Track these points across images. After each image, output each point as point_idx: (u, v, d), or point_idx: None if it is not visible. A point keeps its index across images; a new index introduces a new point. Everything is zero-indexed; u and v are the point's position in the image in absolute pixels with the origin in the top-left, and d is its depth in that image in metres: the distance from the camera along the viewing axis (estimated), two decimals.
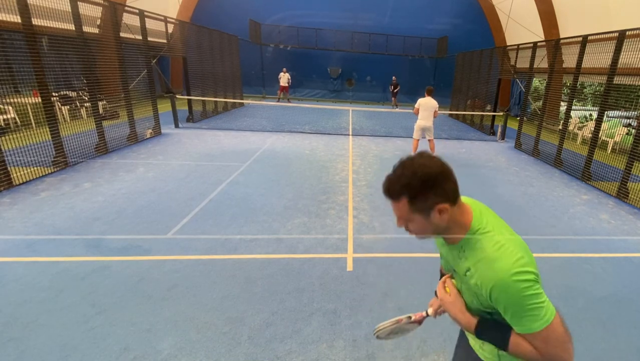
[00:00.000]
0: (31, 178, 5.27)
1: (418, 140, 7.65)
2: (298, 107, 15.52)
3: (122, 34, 7.43)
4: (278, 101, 17.87)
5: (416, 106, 7.49)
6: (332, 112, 14.81)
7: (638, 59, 5.74)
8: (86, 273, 3.13)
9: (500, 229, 1.10)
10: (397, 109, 16.93)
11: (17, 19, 5.01)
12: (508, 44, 15.94)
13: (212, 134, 9.32)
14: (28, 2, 5.07)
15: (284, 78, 17.42)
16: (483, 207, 1.21)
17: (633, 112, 11.16)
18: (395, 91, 18.06)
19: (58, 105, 8.45)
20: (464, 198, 1.19)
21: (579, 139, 11.06)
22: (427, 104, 7.38)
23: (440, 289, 1.22)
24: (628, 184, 5.93)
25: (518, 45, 10.62)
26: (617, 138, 9.81)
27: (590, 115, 14.55)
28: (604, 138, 10.13)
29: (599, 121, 6.65)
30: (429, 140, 7.71)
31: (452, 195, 1.08)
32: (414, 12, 18.86)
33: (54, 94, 6.55)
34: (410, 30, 18.90)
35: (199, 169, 6.24)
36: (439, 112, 7.62)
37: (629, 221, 5.09)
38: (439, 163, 1.06)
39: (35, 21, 5.19)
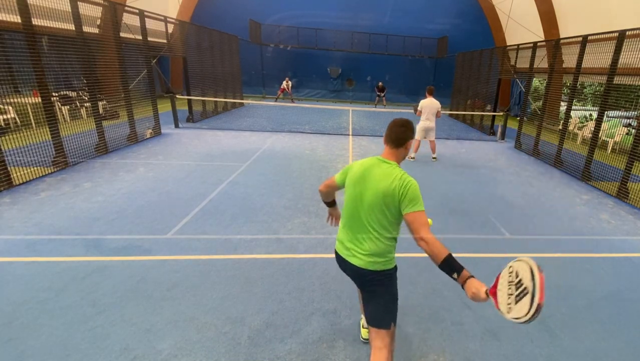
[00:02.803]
0: (31, 178, 5.27)
1: (420, 140, 7.68)
2: (298, 107, 15.53)
3: (122, 34, 7.43)
4: (276, 101, 17.88)
5: (419, 108, 7.46)
6: (332, 112, 14.81)
7: (638, 59, 5.74)
8: (86, 273, 3.13)
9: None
10: (383, 109, 16.83)
11: (17, 19, 5.01)
12: (508, 44, 15.94)
13: (212, 134, 9.32)
14: (28, 2, 5.07)
15: (286, 84, 17.50)
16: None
17: (633, 112, 11.16)
18: (382, 94, 17.94)
19: (58, 105, 8.45)
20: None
21: (579, 139, 11.07)
22: (429, 106, 7.35)
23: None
24: (628, 184, 5.92)
25: (518, 45, 10.62)
26: (617, 138, 9.81)
27: (590, 115, 14.55)
28: (604, 138, 10.13)
29: (599, 121, 6.65)
30: (430, 140, 7.71)
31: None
32: (414, 12, 18.86)
33: (54, 94, 6.55)
34: (410, 30, 18.90)
35: (199, 169, 6.24)
36: (441, 112, 7.61)
37: (629, 221, 5.09)
38: (407, 120, 1.96)
39: (35, 21, 5.18)
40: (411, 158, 7.66)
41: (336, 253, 2.06)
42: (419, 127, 7.49)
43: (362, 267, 1.90)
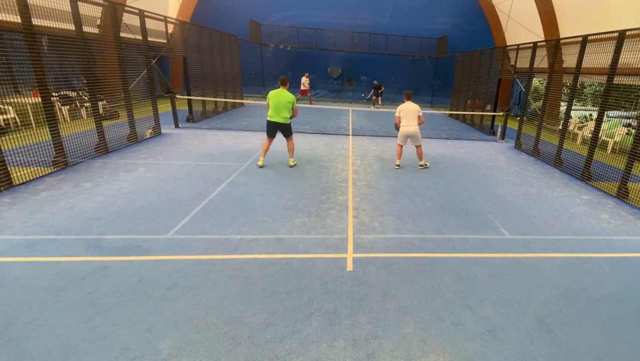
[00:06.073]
0: (31, 178, 5.27)
1: (402, 146, 7.05)
2: (298, 107, 15.49)
3: (122, 34, 7.43)
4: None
5: (397, 114, 6.93)
6: (332, 112, 14.81)
7: (638, 59, 5.74)
8: (86, 273, 3.14)
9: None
10: (379, 109, 16.82)
11: (17, 19, 5.01)
12: (508, 44, 15.95)
13: (212, 134, 9.32)
14: (28, 2, 5.07)
15: (306, 83, 17.10)
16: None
17: (633, 112, 11.17)
18: (379, 92, 17.61)
19: (58, 105, 8.46)
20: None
21: (579, 139, 11.07)
22: (407, 110, 6.87)
23: None
24: (628, 184, 5.93)
25: (518, 45, 10.62)
26: (617, 138, 9.81)
27: (590, 115, 14.56)
28: (604, 138, 10.13)
29: (599, 121, 6.65)
30: (416, 147, 7.10)
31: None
32: (414, 12, 18.87)
33: (54, 94, 6.55)
34: (410, 30, 18.90)
35: (199, 169, 6.24)
36: (424, 117, 7.00)
37: (629, 221, 5.10)
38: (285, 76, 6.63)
39: (35, 21, 5.18)
40: (396, 166, 7.04)
41: (270, 122, 6.44)
42: (399, 133, 6.98)
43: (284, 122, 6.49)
